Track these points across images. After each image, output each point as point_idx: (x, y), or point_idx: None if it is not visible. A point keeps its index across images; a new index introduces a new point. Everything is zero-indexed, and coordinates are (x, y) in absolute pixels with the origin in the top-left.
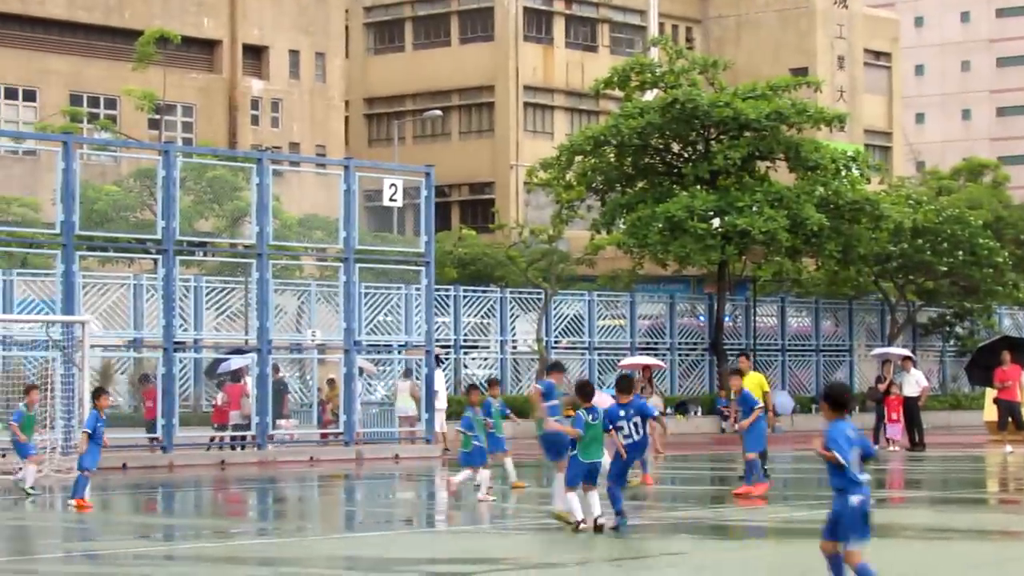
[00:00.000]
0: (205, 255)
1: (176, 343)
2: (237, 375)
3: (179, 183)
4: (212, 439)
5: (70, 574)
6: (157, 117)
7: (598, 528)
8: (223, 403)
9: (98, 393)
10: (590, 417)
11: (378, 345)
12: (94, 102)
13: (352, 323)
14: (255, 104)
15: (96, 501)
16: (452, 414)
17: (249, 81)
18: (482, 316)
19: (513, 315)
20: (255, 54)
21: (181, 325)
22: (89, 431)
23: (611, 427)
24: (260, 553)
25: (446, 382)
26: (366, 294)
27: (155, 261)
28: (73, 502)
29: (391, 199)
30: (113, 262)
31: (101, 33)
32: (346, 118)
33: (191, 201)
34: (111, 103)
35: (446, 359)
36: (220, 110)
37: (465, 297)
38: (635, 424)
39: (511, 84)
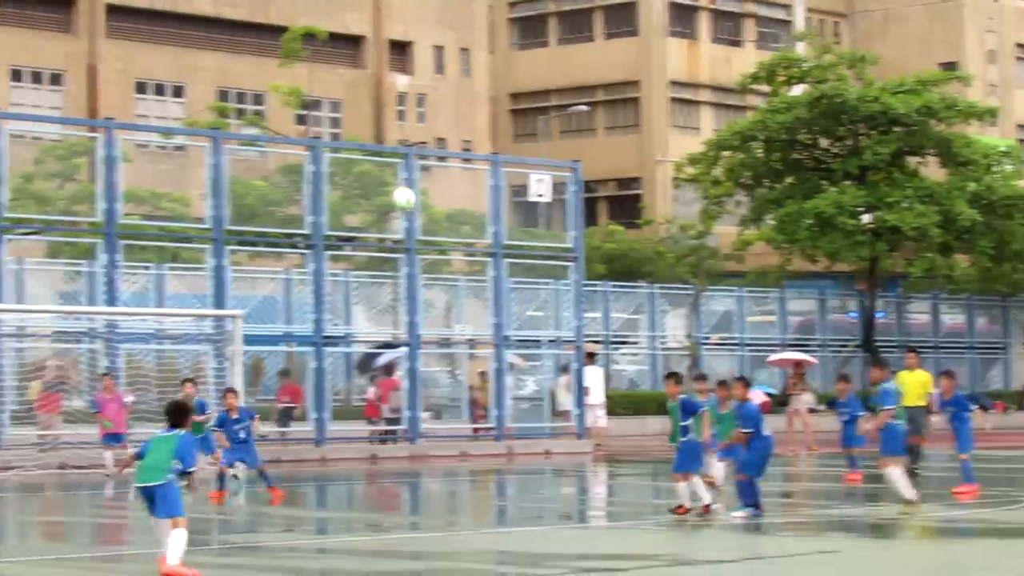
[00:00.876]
0: (353, 250)
1: (326, 338)
2: (390, 369)
3: (326, 178)
4: (372, 432)
5: (226, 565)
6: (304, 112)
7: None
8: (375, 397)
9: (225, 392)
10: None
11: (527, 340)
12: (241, 98)
13: (501, 318)
14: (401, 99)
15: (249, 495)
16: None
17: (394, 76)
18: (632, 312)
19: (662, 311)
20: (400, 49)
21: (331, 320)
22: (217, 428)
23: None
24: (411, 547)
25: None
26: (514, 289)
27: (304, 256)
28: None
29: (538, 194)
30: (262, 257)
31: (248, 29)
32: (491, 113)
33: (339, 196)
34: (258, 99)
35: (597, 355)
36: (366, 105)
37: (614, 293)
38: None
39: (656, 79)
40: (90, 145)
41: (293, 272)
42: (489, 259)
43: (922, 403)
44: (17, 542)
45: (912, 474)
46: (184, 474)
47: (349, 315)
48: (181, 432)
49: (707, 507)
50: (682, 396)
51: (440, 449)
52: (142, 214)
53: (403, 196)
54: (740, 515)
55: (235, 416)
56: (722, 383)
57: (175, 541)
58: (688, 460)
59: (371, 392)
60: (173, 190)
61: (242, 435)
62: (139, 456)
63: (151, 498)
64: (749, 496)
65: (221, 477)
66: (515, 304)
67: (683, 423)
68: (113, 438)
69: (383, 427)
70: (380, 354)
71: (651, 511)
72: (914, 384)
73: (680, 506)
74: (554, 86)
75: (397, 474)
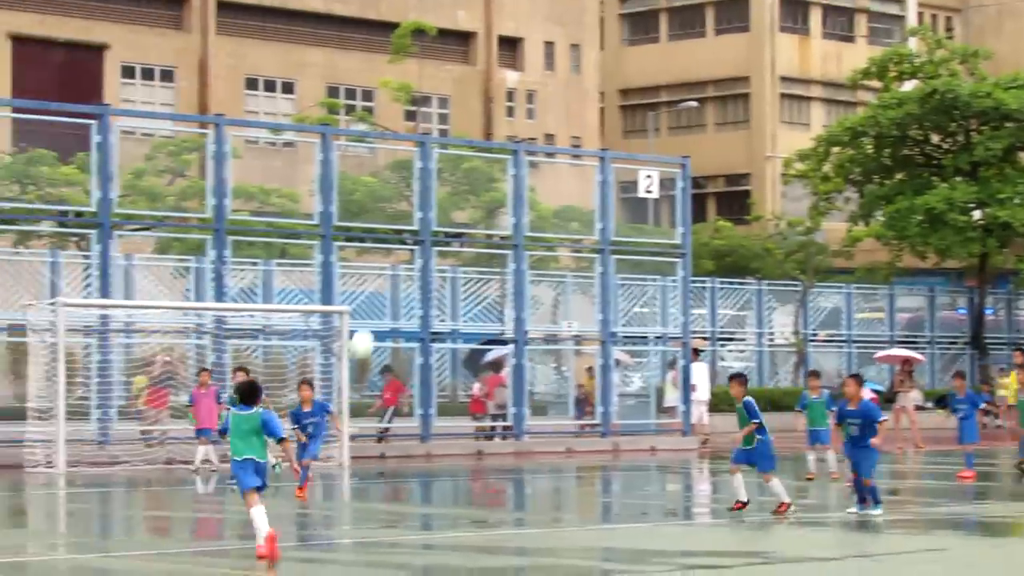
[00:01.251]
0: (461, 246)
1: (433, 334)
2: (498, 365)
3: (435, 174)
4: (477, 429)
5: (331, 560)
6: (413, 108)
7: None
8: (481, 393)
9: (300, 384)
10: None
11: (634, 337)
12: (351, 94)
13: (608, 314)
14: (510, 95)
15: (354, 490)
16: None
17: (504, 73)
18: (739, 308)
19: (770, 307)
20: (510, 46)
21: (438, 316)
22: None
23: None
24: (516, 543)
25: (707, 375)
26: (622, 285)
27: (412, 252)
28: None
29: (647, 190)
30: (370, 252)
31: (357, 26)
32: (601, 109)
33: (447, 192)
34: (367, 95)
35: (703, 351)
36: (475, 101)
37: (721, 289)
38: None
39: (767, 75)
40: (200, 141)
41: (400, 268)
42: (597, 255)
43: None
44: (123, 537)
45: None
46: (280, 440)
47: (456, 311)
48: (259, 408)
49: (786, 506)
50: (746, 398)
51: (545, 445)
52: (251, 210)
53: (361, 343)
54: (876, 513)
55: (308, 409)
56: (815, 373)
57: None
58: (767, 459)
59: (477, 388)
60: (282, 186)
61: (310, 428)
62: (223, 432)
63: (246, 472)
64: (875, 494)
65: (304, 471)
66: (622, 300)
67: (754, 421)
68: (204, 432)
69: (489, 423)
70: (488, 350)
71: (755, 508)
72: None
73: (782, 504)
74: (664, 82)
75: (502, 470)
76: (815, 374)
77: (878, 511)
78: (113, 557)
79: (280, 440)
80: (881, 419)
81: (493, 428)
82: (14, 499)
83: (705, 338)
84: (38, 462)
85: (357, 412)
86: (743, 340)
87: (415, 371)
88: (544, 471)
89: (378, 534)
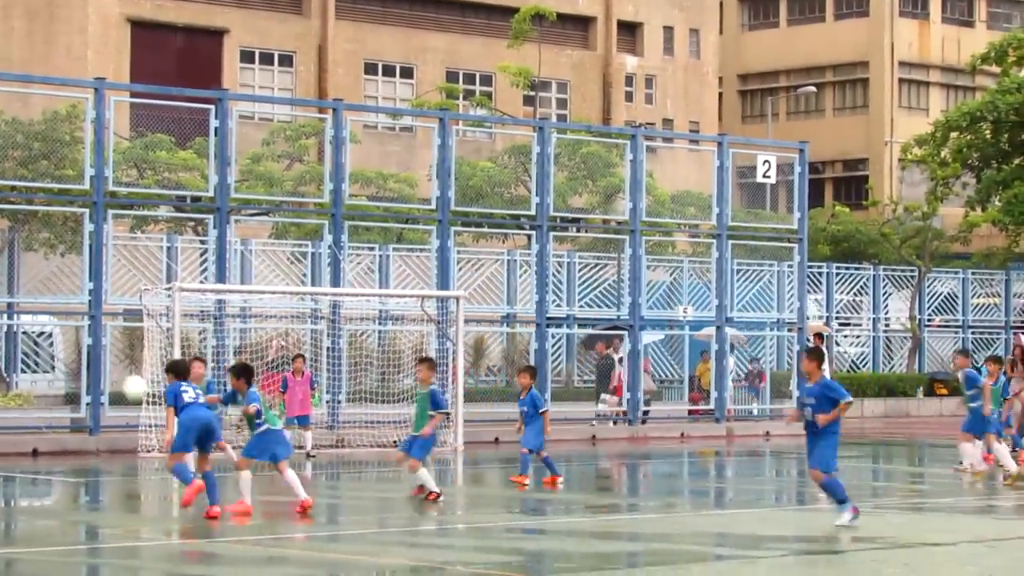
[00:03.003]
0: (578, 231)
1: (549, 318)
2: (647, 350)
3: (553, 159)
4: (618, 414)
5: (445, 546)
6: (532, 93)
7: None
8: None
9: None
10: None
11: (749, 322)
12: (470, 79)
13: (724, 299)
14: (629, 80)
15: (469, 475)
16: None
17: (623, 57)
18: (855, 294)
19: (886, 293)
20: (629, 30)
21: (554, 301)
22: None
23: None
24: (630, 528)
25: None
26: (738, 270)
27: (528, 237)
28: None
29: (764, 175)
30: (487, 237)
31: (477, 10)
32: (719, 94)
33: (565, 177)
34: (486, 79)
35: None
36: (594, 86)
37: (837, 274)
38: None
39: (886, 60)
40: (319, 126)
41: (517, 253)
42: (713, 240)
43: None
44: (233, 521)
45: None
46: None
47: (572, 296)
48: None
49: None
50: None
51: (660, 430)
52: (368, 195)
53: (134, 386)
54: (844, 519)
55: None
56: (995, 359)
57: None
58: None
59: (621, 374)
60: (399, 171)
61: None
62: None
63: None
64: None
65: (524, 459)
66: (738, 285)
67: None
68: (300, 420)
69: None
70: (602, 335)
71: (870, 493)
72: None
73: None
74: (783, 67)
75: (616, 455)
76: (964, 353)
77: (845, 515)
78: (224, 542)
79: (445, 413)
80: (845, 399)
81: (647, 412)
82: (128, 484)
83: (824, 324)
84: (152, 447)
85: (470, 397)
86: (859, 325)
87: (531, 356)
88: (657, 456)
89: (492, 518)
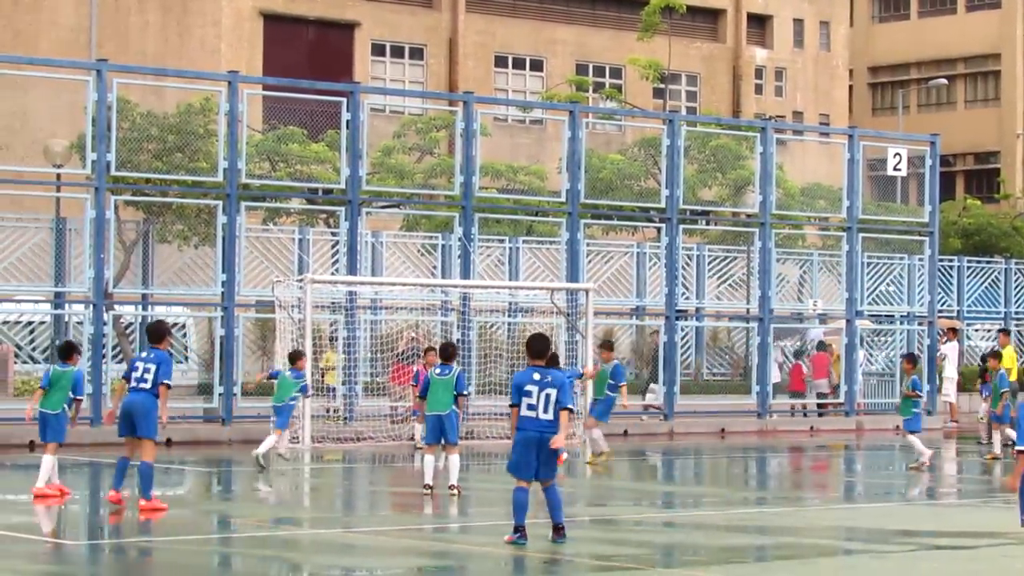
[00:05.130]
0: (708, 224)
1: (678, 311)
2: (823, 344)
3: (683, 152)
4: (802, 407)
5: (575, 538)
6: (661, 86)
7: None
8: (808, 372)
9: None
10: None
11: (880, 315)
12: (599, 71)
13: (854, 293)
14: (759, 73)
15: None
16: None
17: (753, 50)
18: (987, 287)
19: (1018, 286)
20: (759, 23)
21: (683, 293)
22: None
23: None
24: (758, 522)
25: (955, 354)
26: (868, 264)
27: (658, 230)
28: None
29: (895, 168)
30: (616, 230)
31: (607, 3)
32: (850, 87)
33: (694, 170)
34: (616, 72)
35: (959, 331)
36: (724, 79)
37: (969, 268)
38: None
39: (1018, 52)
40: (449, 119)
41: (646, 246)
42: (843, 233)
43: None
44: (365, 512)
45: None
46: (463, 396)
47: (701, 289)
48: (456, 368)
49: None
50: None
51: (790, 424)
52: (498, 187)
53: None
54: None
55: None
56: None
57: (453, 465)
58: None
59: (804, 367)
60: (529, 163)
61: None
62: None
63: (441, 426)
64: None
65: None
66: (868, 278)
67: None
68: None
69: (801, 401)
70: (807, 329)
71: (999, 488)
72: None
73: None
74: (913, 59)
75: (745, 448)
76: None
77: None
78: (357, 532)
79: (462, 396)
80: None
81: (821, 407)
82: (254, 474)
83: (951, 317)
84: (297, 436)
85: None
86: (989, 319)
87: (660, 349)
88: (786, 450)
89: (622, 511)
